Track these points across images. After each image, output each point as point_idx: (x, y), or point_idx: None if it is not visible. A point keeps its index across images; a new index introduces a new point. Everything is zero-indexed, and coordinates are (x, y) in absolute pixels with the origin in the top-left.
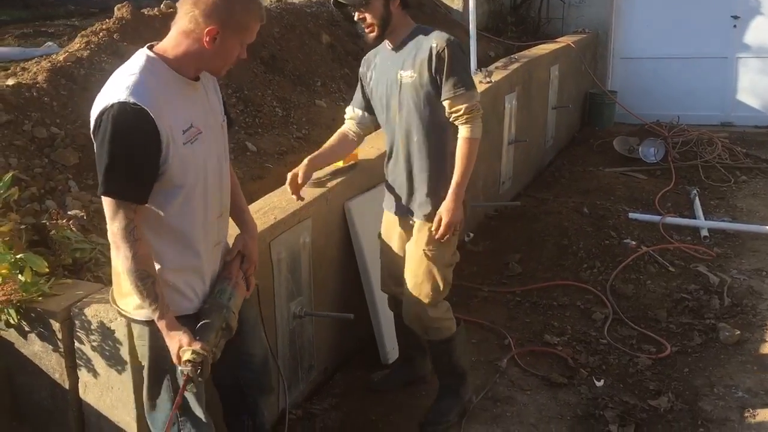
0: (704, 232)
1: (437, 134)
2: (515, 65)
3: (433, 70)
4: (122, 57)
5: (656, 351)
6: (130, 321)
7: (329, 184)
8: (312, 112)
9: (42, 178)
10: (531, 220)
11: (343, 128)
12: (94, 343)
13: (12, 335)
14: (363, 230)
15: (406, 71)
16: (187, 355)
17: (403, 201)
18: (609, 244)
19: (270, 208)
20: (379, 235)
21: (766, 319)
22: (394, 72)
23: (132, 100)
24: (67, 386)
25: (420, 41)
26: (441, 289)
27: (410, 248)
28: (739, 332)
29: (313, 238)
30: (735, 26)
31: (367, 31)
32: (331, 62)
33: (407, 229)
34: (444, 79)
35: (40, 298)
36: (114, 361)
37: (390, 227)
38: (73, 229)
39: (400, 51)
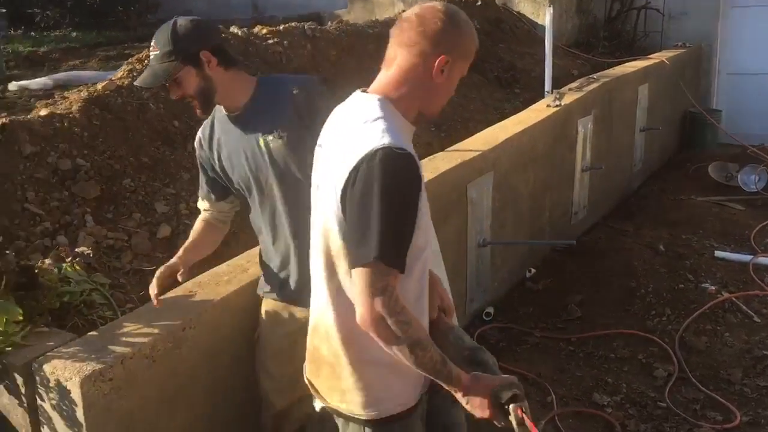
0: None
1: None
2: (592, 86)
3: (304, 118)
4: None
5: (723, 420)
6: (355, 422)
7: None
8: None
9: (58, 212)
10: (599, 257)
11: (204, 216)
12: (53, 402)
13: None
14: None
15: (271, 134)
16: (509, 392)
17: (293, 284)
18: (684, 288)
19: None
20: (257, 338)
21: None
22: (252, 142)
23: (396, 145)
24: None
25: (274, 94)
26: None
27: None
28: None
29: None
30: None
31: (193, 106)
32: None
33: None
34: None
35: (8, 349)
36: (71, 422)
37: (273, 315)
38: (77, 267)
39: (251, 115)
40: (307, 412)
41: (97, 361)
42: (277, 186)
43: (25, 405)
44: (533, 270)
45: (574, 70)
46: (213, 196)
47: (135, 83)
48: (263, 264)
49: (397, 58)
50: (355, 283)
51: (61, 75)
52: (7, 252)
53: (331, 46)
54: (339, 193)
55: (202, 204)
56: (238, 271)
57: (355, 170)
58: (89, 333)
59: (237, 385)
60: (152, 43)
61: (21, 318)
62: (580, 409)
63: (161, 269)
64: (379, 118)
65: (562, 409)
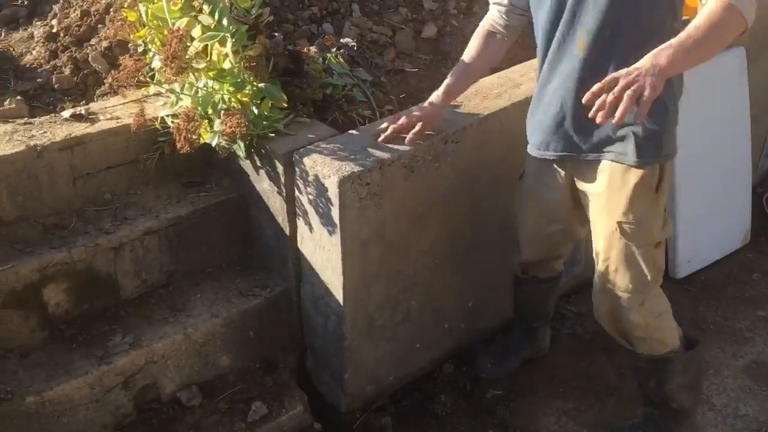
0: None
1: (662, 23)
2: None
3: None
4: None
5: None
6: None
7: None
8: None
9: None
10: None
11: (486, 22)
12: (310, 197)
13: (247, 166)
14: None
15: None
16: None
17: (579, 131)
18: None
19: None
20: (521, 176)
21: None
22: None
23: None
24: (287, 233)
25: None
26: (648, 280)
27: (597, 214)
28: None
29: None
30: None
31: None
32: None
33: (580, 171)
34: None
35: (272, 135)
36: (325, 220)
37: (546, 169)
38: (341, 59)
39: None
40: (557, 270)
41: (356, 163)
42: (593, 3)
43: (284, 194)
44: None
45: None
46: None
47: None
48: (534, 98)
49: None
50: None
51: None
52: (276, 34)
53: None
54: None
55: None
56: (510, 85)
57: None
58: (350, 131)
59: (491, 212)
60: None
61: (285, 105)
62: None
63: (429, 111)
64: None
65: None
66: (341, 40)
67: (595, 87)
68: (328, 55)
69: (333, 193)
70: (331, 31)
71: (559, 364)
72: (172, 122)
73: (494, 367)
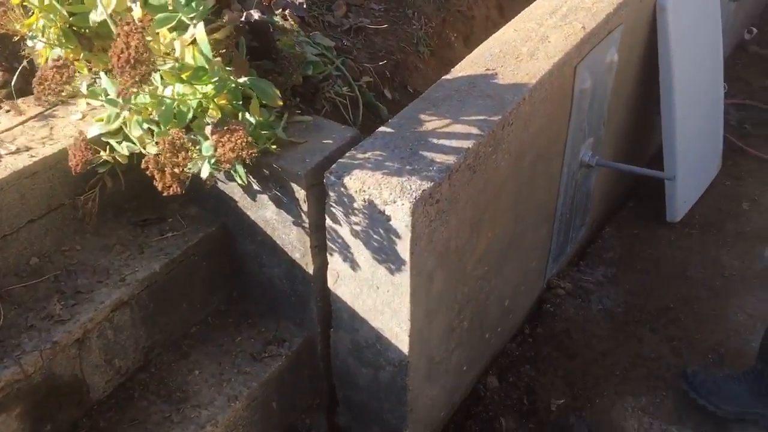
0: None
1: None
2: None
3: None
4: None
5: None
6: None
7: None
8: None
9: None
10: None
11: None
12: (357, 227)
13: (231, 188)
14: (677, 38)
15: None
16: None
17: None
18: None
19: (570, 9)
20: None
21: None
22: None
23: None
24: (310, 271)
25: None
26: None
27: None
28: None
29: (619, 55)
30: None
31: None
32: None
33: None
34: None
35: (274, 147)
36: (385, 256)
37: None
38: (293, 22)
39: None
40: None
41: (419, 176)
42: None
43: (306, 224)
44: (755, 30)
45: None
46: None
47: None
48: None
49: None
50: None
51: None
52: None
53: None
54: None
55: None
56: (536, 39)
57: None
58: (380, 128)
59: (529, 199)
60: None
61: (280, 103)
62: None
63: None
64: None
65: None
66: None
67: None
68: (275, 18)
69: (401, 222)
70: None
71: (608, 350)
72: (117, 144)
73: None
